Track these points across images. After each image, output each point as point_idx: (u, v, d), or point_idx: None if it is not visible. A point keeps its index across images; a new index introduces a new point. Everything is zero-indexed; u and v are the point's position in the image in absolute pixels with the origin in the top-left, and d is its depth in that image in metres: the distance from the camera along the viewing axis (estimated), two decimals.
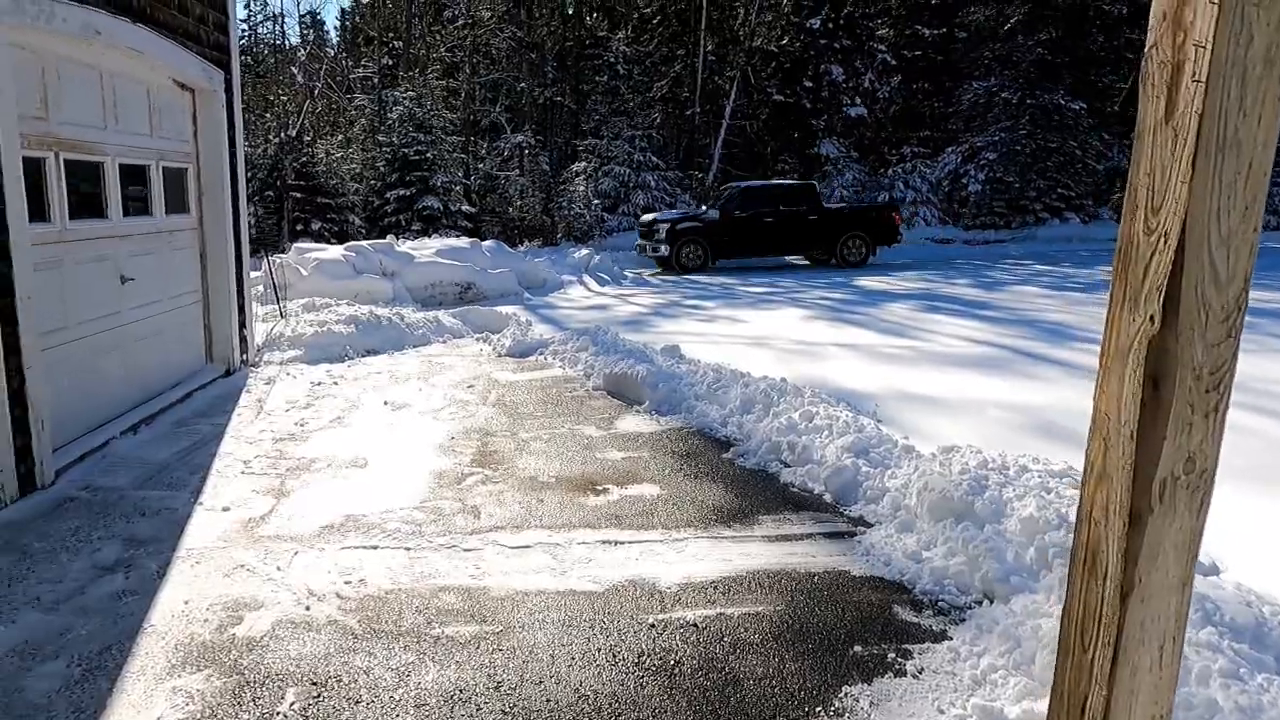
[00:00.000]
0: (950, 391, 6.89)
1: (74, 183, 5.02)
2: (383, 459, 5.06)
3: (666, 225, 17.52)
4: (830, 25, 26.73)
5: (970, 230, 25.91)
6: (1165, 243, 1.06)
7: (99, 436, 5.11)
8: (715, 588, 3.49)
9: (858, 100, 27.03)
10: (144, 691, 2.73)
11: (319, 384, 6.92)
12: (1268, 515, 4.19)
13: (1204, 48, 1.01)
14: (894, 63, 27.60)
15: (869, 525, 4.15)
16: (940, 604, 3.38)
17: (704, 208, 19.70)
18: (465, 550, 3.82)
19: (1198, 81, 1.02)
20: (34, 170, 4.57)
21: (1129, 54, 28.41)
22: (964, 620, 3.25)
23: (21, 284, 4.20)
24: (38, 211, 4.59)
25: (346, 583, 3.48)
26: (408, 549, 3.82)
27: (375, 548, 3.83)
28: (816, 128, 27.18)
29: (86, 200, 5.22)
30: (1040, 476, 4.30)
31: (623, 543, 3.93)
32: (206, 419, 5.85)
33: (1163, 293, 1.07)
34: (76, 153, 5.05)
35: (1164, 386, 1.06)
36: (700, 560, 3.75)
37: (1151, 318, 1.07)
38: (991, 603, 3.34)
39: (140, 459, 4.96)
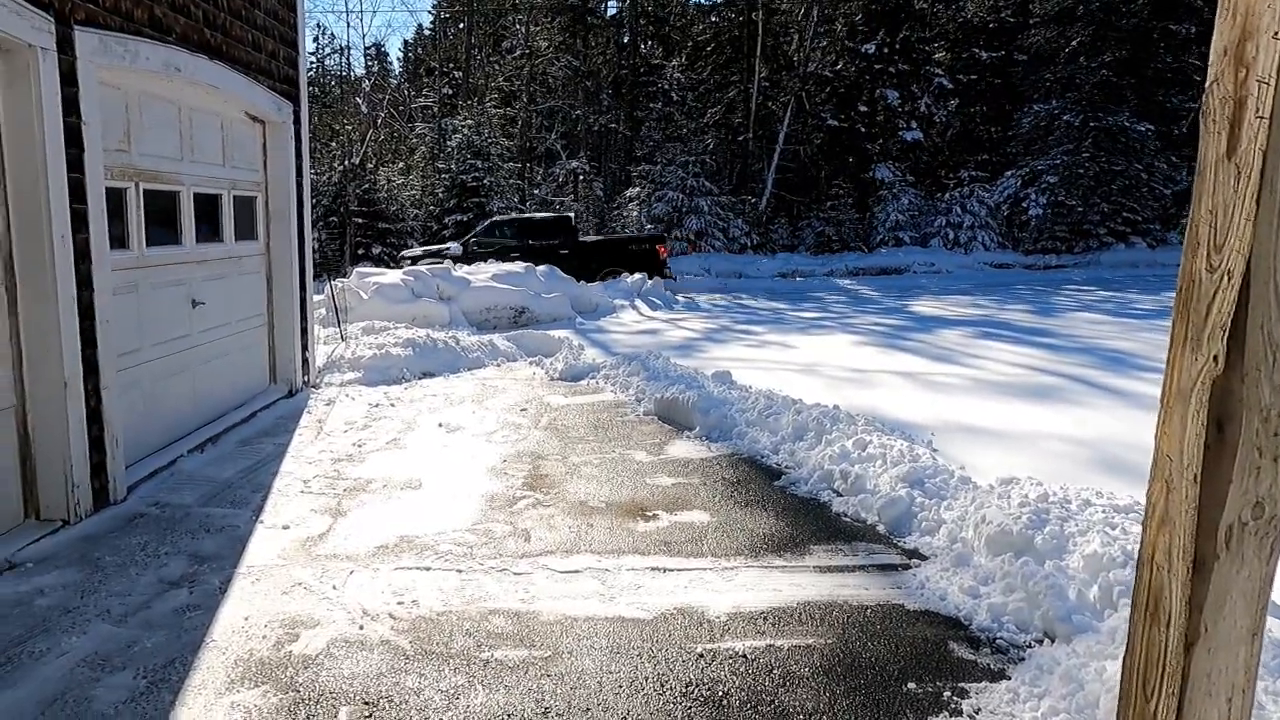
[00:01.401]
0: (1006, 422, 6.72)
1: (151, 211, 5.26)
2: (436, 481, 5.14)
3: (410, 259, 17.00)
4: (885, 50, 26.61)
5: (1030, 255, 25.36)
6: (1229, 281, 1.03)
7: (168, 455, 5.31)
8: (765, 618, 3.45)
9: (914, 124, 26.79)
10: (204, 706, 2.81)
11: (376, 405, 7.08)
12: None
13: (1267, 84, 0.99)
14: (951, 86, 27.31)
15: (924, 558, 4.06)
16: (998, 642, 3.29)
17: (451, 245, 18.23)
18: (515, 574, 3.85)
19: (1261, 118, 0.99)
20: (115, 200, 4.81)
21: (1197, 76, 27.63)
22: (1023, 660, 3.15)
23: (101, 308, 4.41)
24: (118, 239, 4.82)
25: (399, 603, 3.54)
26: (459, 571, 3.87)
27: (428, 569, 3.88)
28: (871, 152, 27.00)
29: (162, 228, 5.47)
30: (1104, 512, 4.16)
31: (672, 570, 3.92)
32: (269, 438, 6.03)
33: (1226, 332, 1.04)
34: (155, 183, 5.30)
35: (1229, 429, 1.03)
36: (750, 590, 3.71)
37: (1215, 358, 1.04)
38: (1052, 642, 3.23)
39: (206, 477, 5.13)
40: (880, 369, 9.08)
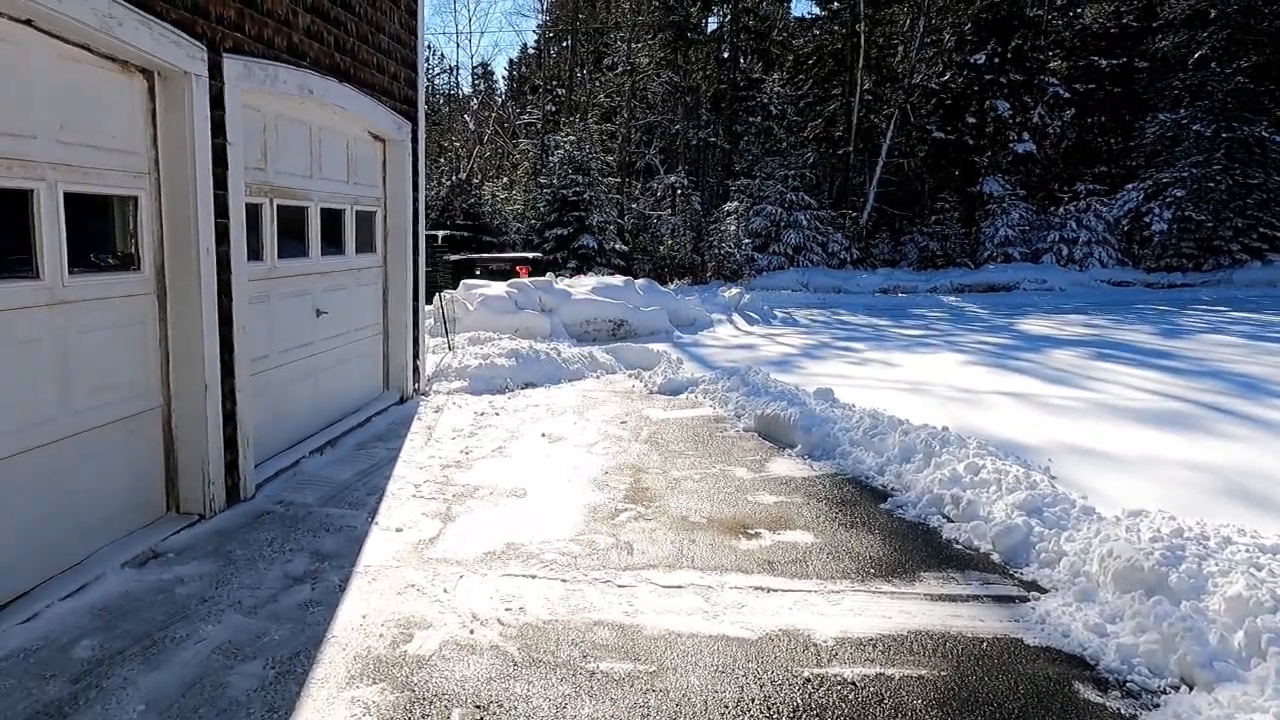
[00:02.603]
0: (1126, 447, 6.35)
1: (282, 225, 5.59)
2: (540, 490, 5.24)
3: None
4: (996, 60, 25.69)
5: (1152, 272, 23.91)
6: None
7: (291, 456, 5.60)
8: (874, 645, 3.36)
9: (1025, 136, 25.72)
10: (326, 699, 2.94)
11: (482, 414, 7.27)
12: None
13: None
14: (1067, 96, 26.11)
15: (1043, 591, 3.87)
16: (1129, 685, 3.10)
17: None
18: (619, 586, 3.87)
19: None
20: (252, 215, 5.13)
21: None
22: (1158, 706, 2.96)
23: (239, 315, 4.70)
24: (253, 251, 5.13)
25: (507, 609, 3.61)
26: (564, 580, 3.92)
27: (534, 577, 3.95)
28: (979, 165, 26.07)
29: (291, 241, 5.79)
30: (1248, 551, 3.87)
31: (775, 590, 3.86)
32: (382, 443, 6.28)
33: None
34: (287, 199, 5.62)
35: None
36: (857, 615, 3.62)
37: None
38: (1191, 689, 3.02)
39: (325, 478, 5.39)
40: (989, 389, 8.73)
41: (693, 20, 29.98)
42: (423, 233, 7.82)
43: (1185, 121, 24.20)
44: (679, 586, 3.89)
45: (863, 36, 26.32)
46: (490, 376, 8.42)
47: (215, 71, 4.39)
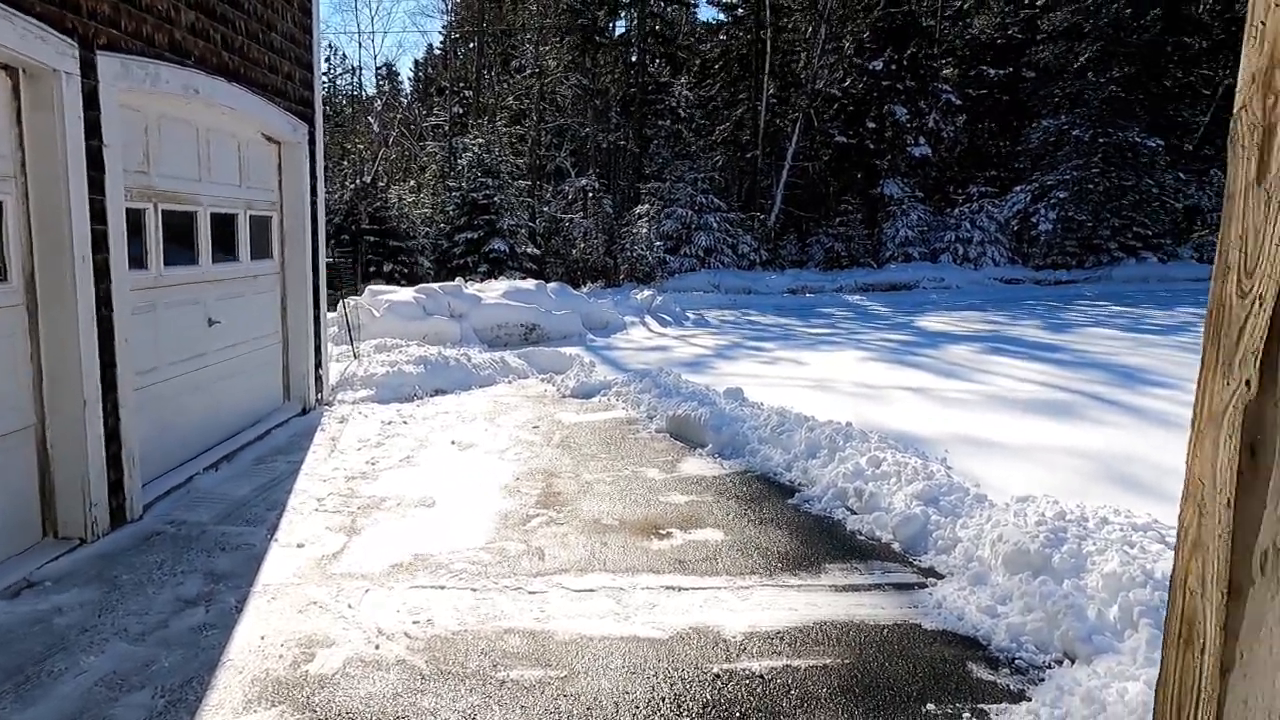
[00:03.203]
0: (1017, 437, 6.69)
1: (169, 231, 5.32)
2: (450, 499, 5.15)
3: None
4: (894, 67, 26.72)
5: (1040, 270, 25.31)
6: (1260, 306, 1.03)
7: (184, 472, 5.33)
8: (781, 638, 3.43)
9: (922, 140, 26.84)
10: None
11: (389, 423, 7.10)
12: None
13: None
14: (959, 102, 27.37)
15: (940, 577, 4.04)
16: (1018, 662, 3.26)
17: None
18: (530, 593, 3.84)
19: None
20: (135, 220, 4.87)
21: (1205, 90, 27.65)
22: (1043, 680, 3.13)
23: (121, 326, 4.45)
24: (136, 259, 4.87)
25: (414, 622, 3.53)
26: (474, 590, 3.86)
27: (442, 588, 3.88)
28: (880, 168, 27.05)
29: (180, 247, 5.52)
30: (1122, 530, 4.13)
31: (686, 589, 3.90)
32: (283, 456, 6.05)
33: (1259, 357, 1.04)
34: (173, 203, 5.36)
35: (1262, 454, 1.02)
36: (766, 609, 3.70)
37: (1247, 383, 1.04)
38: (1073, 663, 3.20)
39: (221, 495, 5.15)
40: (891, 384, 9.06)
41: (600, 24, 30.05)
42: (323, 237, 7.57)
43: (1066, 127, 25.72)
44: (590, 590, 3.88)
45: (768, 42, 26.93)
46: (398, 384, 8.23)
47: (89, 70, 4.15)
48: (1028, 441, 6.57)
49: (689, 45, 31.66)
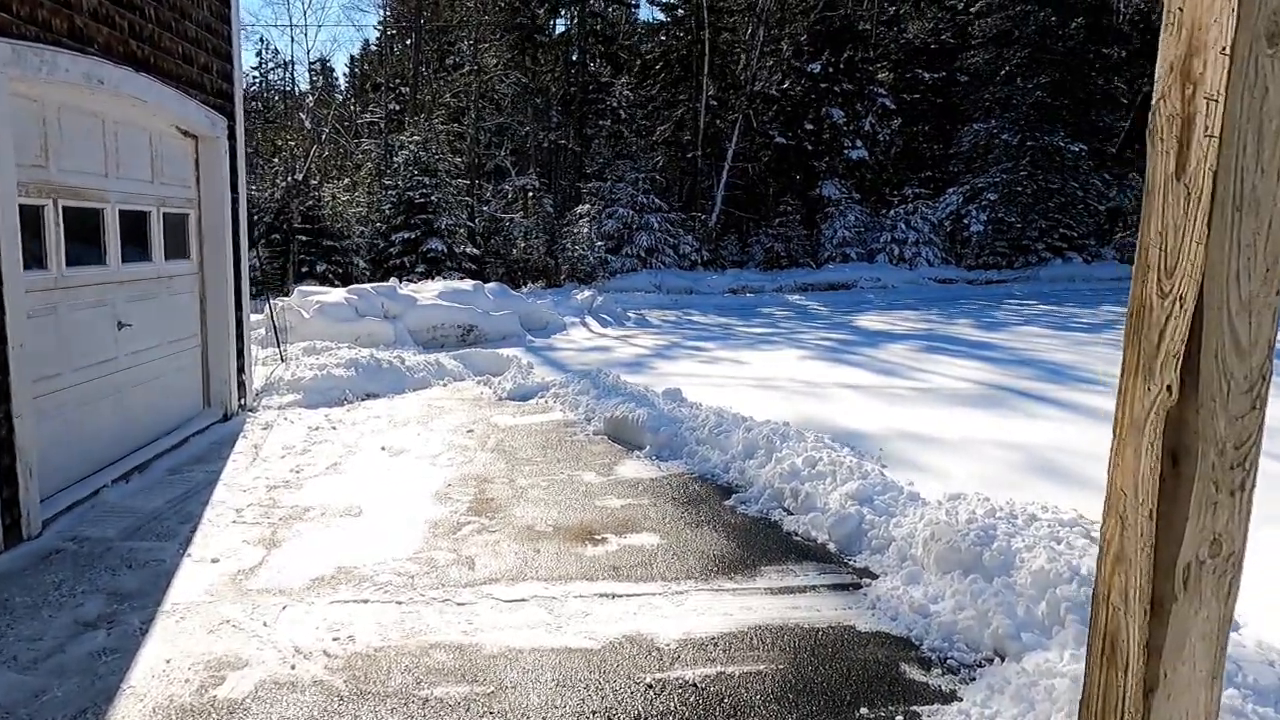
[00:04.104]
0: (950, 431, 6.81)
1: (73, 230, 5.01)
2: (378, 507, 4.96)
3: None
4: (831, 69, 27.10)
5: (973, 270, 25.97)
6: (1181, 307, 0.99)
7: (90, 485, 5.03)
8: (716, 644, 3.37)
9: (858, 143, 27.29)
10: None
11: (317, 429, 6.85)
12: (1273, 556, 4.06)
13: (1216, 101, 0.95)
14: (894, 106, 27.92)
15: (874, 576, 4.03)
16: (949, 661, 3.26)
17: None
18: (458, 604, 3.70)
19: (1210, 136, 0.96)
20: (32, 218, 4.57)
21: (1125, 98, 28.75)
22: (974, 680, 3.13)
23: (14, 331, 4.16)
24: (34, 258, 4.57)
25: (335, 639, 3.37)
26: (399, 603, 3.71)
27: (366, 601, 3.72)
28: (818, 169, 27.42)
29: (85, 247, 5.21)
30: (1050, 526, 4.18)
31: (621, 596, 3.82)
32: (201, 466, 5.77)
33: (1180, 361, 1.00)
34: (76, 200, 5.05)
35: (1184, 462, 0.98)
36: (700, 615, 3.63)
37: (1169, 388, 1.00)
38: (1003, 660, 3.21)
39: (130, 508, 4.87)
40: (831, 382, 9.13)
41: (540, 22, 29.80)
42: (245, 236, 7.27)
43: (996, 131, 26.45)
44: (522, 600, 3.77)
45: (707, 43, 27.04)
46: (327, 388, 7.95)
47: None
48: (961, 435, 6.68)
49: (630, 45, 31.62)
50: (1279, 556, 4.09)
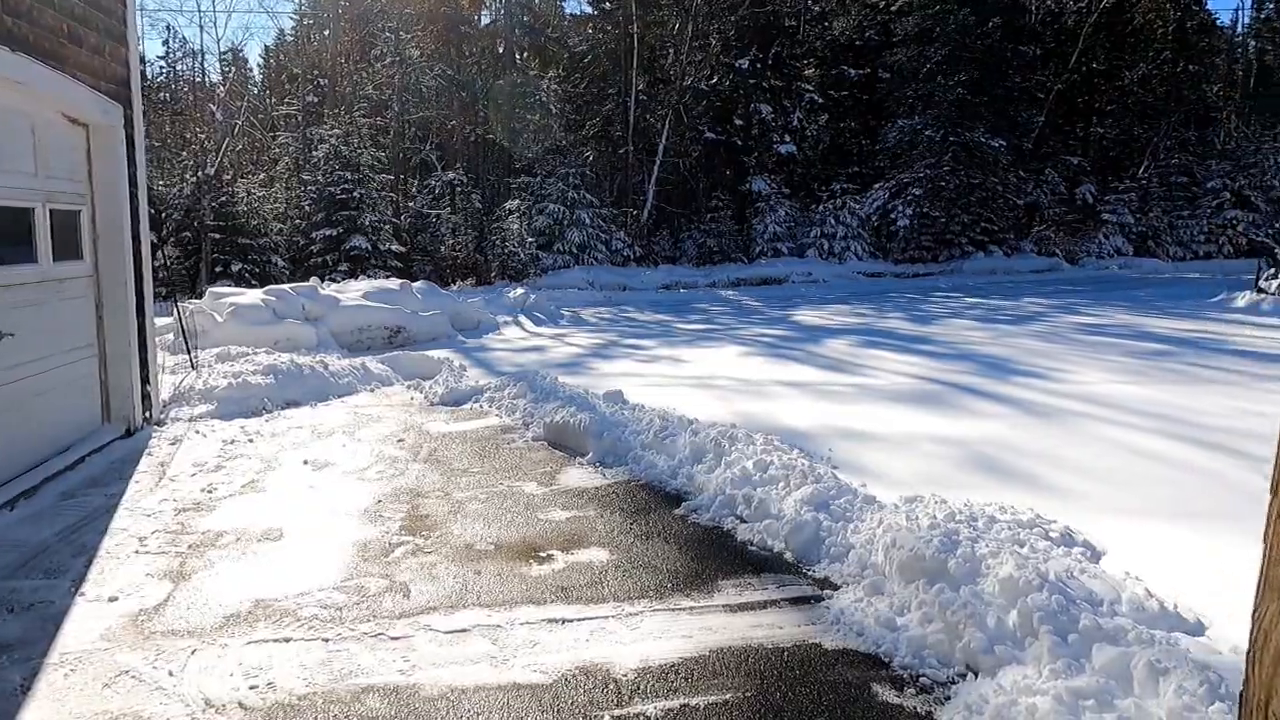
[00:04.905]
0: (892, 428, 6.74)
1: None
2: (300, 529, 4.56)
3: None
4: (758, 65, 27.22)
5: (899, 264, 26.46)
6: None
7: None
8: (676, 672, 3.13)
9: (787, 138, 27.50)
10: None
11: (232, 442, 6.35)
12: (1229, 557, 4.05)
13: None
14: (821, 101, 28.24)
15: (835, 587, 3.86)
16: (922, 680, 3.09)
17: None
18: (392, 639, 3.37)
19: None
20: None
21: (1040, 94, 29.72)
22: (950, 699, 2.97)
23: None
24: None
25: (251, 688, 3.00)
26: (326, 640, 3.35)
27: (287, 640, 3.35)
28: (748, 165, 27.52)
29: None
30: (1010, 528, 4.10)
31: (571, 620, 3.54)
32: (99, 488, 5.24)
33: None
34: None
35: None
36: (658, 639, 3.38)
37: None
38: (977, 676, 3.06)
39: (14, 541, 4.35)
40: (771, 380, 9.01)
41: (465, 13, 29.07)
42: (147, 235, 6.69)
43: (920, 127, 26.99)
44: (463, 630, 3.45)
45: (635, 38, 26.80)
46: (243, 397, 7.42)
47: None
48: (904, 432, 6.61)
49: (558, 38, 31.15)
50: (1228, 553, 4.08)
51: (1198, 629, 3.29)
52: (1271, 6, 41.29)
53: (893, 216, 26.78)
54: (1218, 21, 36.41)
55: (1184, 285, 21.32)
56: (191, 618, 3.53)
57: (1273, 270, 15.94)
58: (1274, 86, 38.94)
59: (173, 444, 6.28)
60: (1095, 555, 4.01)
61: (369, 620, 3.52)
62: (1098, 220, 29.14)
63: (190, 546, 4.31)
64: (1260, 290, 15.66)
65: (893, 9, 29.01)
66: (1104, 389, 8.23)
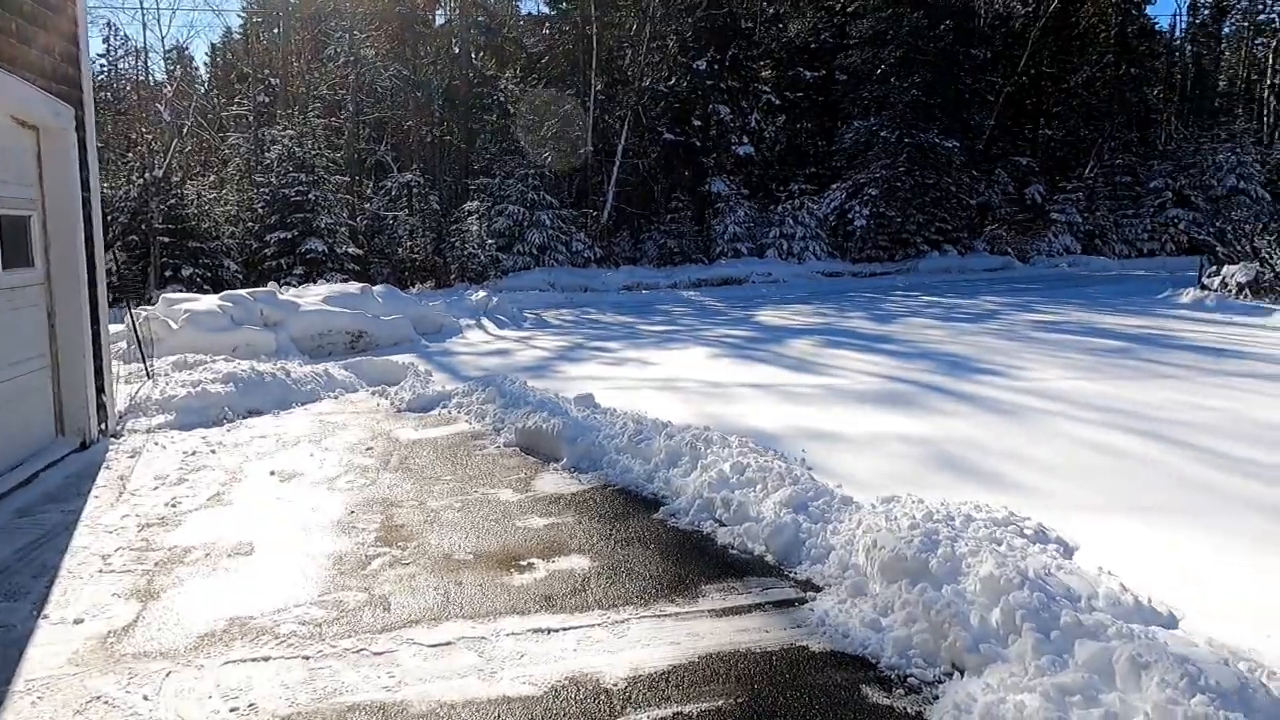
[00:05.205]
0: (858, 428, 6.81)
1: None
2: (272, 543, 4.45)
3: None
4: (716, 66, 27.35)
5: (857, 263, 26.82)
6: None
7: None
8: (667, 680, 3.12)
9: (745, 139, 27.68)
10: None
11: (193, 454, 6.17)
12: (1189, 551, 4.18)
13: None
14: (778, 103, 28.49)
15: (818, 589, 3.89)
16: (910, 680, 3.13)
17: None
18: (375, 654, 3.30)
19: None
20: None
21: (990, 96, 30.38)
22: (938, 698, 3.01)
23: None
24: None
25: (232, 710, 2.92)
26: (306, 658, 3.27)
27: (266, 659, 3.26)
28: (707, 166, 27.64)
29: None
30: (986, 526, 4.17)
31: (556, 630, 3.51)
32: (56, 505, 5.05)
33: None
34: None
35: None
36: (646, 646, 3.37)
37: None
38: (963, 675, 3.10)
39: None
40: (738, 382, 9.05)
41: (420, 12, 28.70)
42: (100, 240, 6.47)
43: (875, 128, 27.39)
44: (448, 643, 3.40)
45: (593, 38, 26.74)
46: (203, 407, 7.22)
47: None
48: (870, 432, 6.68)
49: (514, 39, 30.93)
50: (1188, 548, 4.22)
51: (1171, 622, 3.38)
52: (1207, 12, 42.84)
53: (850, 217, 27.13)
54: (1157, 27, 37.63)
55: (1131, 282, 21.97)
56: (164, 638, 3.42)
57: (1214, 268, 16.51)
58: (1209, 90, 40.41)
59: (131, 456, 6.08)
60: (1068, 551, 4.10)
61: (350, 635, 3.45)
62: (1047, 219, 29.89)
63: (157, 563, 4.18)
64: (1204, 287, 16.20)
65: (848, 11, 29.40)
66: (1062, 385, 8.44)
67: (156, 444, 6.44)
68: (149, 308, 10.79)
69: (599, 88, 27.07)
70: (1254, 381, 8.43)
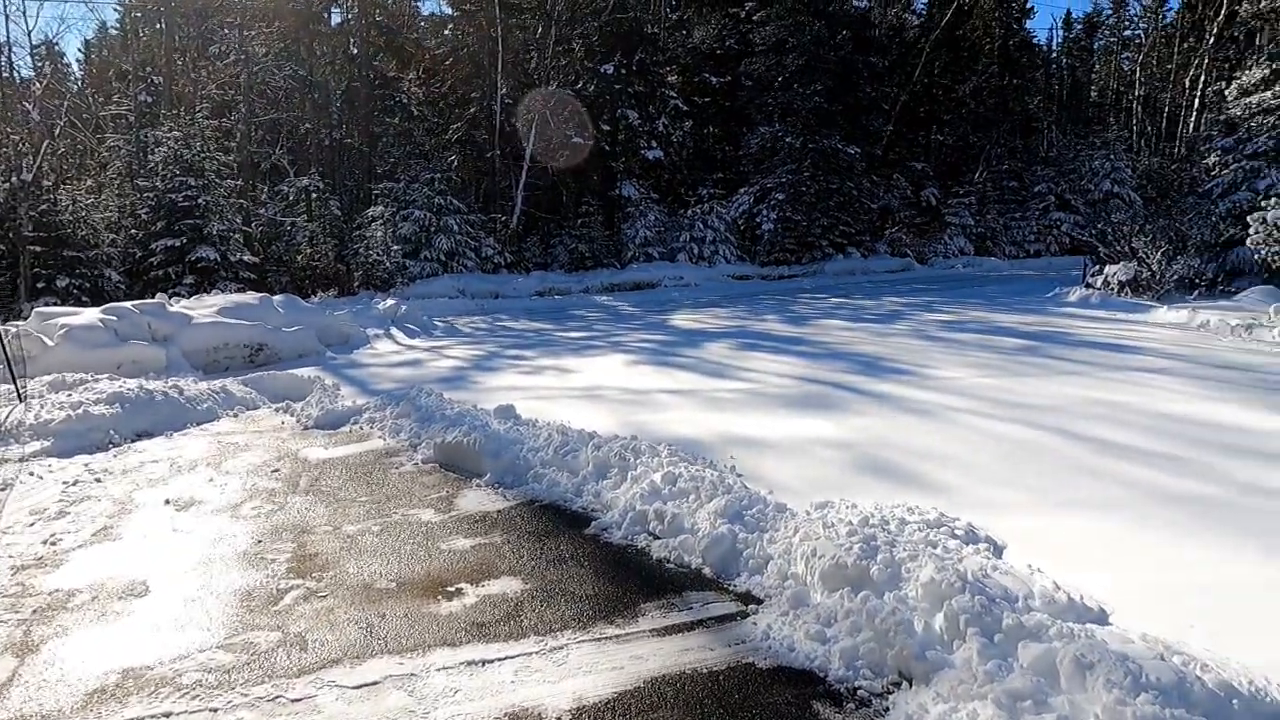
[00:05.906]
0: (780, 433, 6.78)
1: None
2: (169, 581, 4.07)
3: None
4: (623, 71, 27.35)
5: (766, 266, 27.28)
6: None
7: None
8: (613, 709, 2.97)
9: (654, 144, 27.78)
10: None
11: (75, 484, 5.64)
12: (1107, 544, 4.31)
13: None
14: (685, 108, 28.73)
15: (759, 601, 3.81)
16: (859, 693, 3.08)
17: None
18: (293, 701, 3.03)
19: None
20: None
21: (887, 104, 31.50)
22: (889, 710, 2.97)
23: None
24: None
25: None
26: (214, 710, 2.98)
27: (168, 715, 2.95)
28: (616, 170, 27.60)
29: None
30: (920, 529, 4.19)
31: (491, 661, 3.31)
32: None
33: None
34: None
35: None
36: (588, 673, 3.22)
37: None
38: (912, 684, 3.07)
39: None
40: (660, 388, 8.97)
41: (315, 10, 27.62)
42: None
43: (780, 134, 27.95)
44: (374, 683, 3.16)
45: (499, 40, 26.33)
46: (84, 430, 6.63)
47: None
48: (791, 437, 6.66)
49: (416, 39, 30.15)
50: (1106, 540, 4.35)
51: (1103, 618, 3.45)
52: (1079, 27, 45.72)
53: (758, 220, 27.59)
54: (1036, 41, 39.93)
55: (1022, 282, 23.08)
56: (45, 699, 3.05)
57: (1098, 267, 17.50)
58: (1084, 100, 43.12)
59: (2, 489, 5.50)
60: (998, 550, 4.16)
61: (263, 681, 3.16)
62: (942, 222, 31.19)
63: (35, 611, 3.75)
64: (1089, 285, 17.16)
65: (753, 19, 29.92)
66: (969, 383, 8.70)
67: (31, 474, 5.85)
68: (19, 323, 9.90)
69: (505, 91, 26.67)
70: (1153, 376, 8.89)
